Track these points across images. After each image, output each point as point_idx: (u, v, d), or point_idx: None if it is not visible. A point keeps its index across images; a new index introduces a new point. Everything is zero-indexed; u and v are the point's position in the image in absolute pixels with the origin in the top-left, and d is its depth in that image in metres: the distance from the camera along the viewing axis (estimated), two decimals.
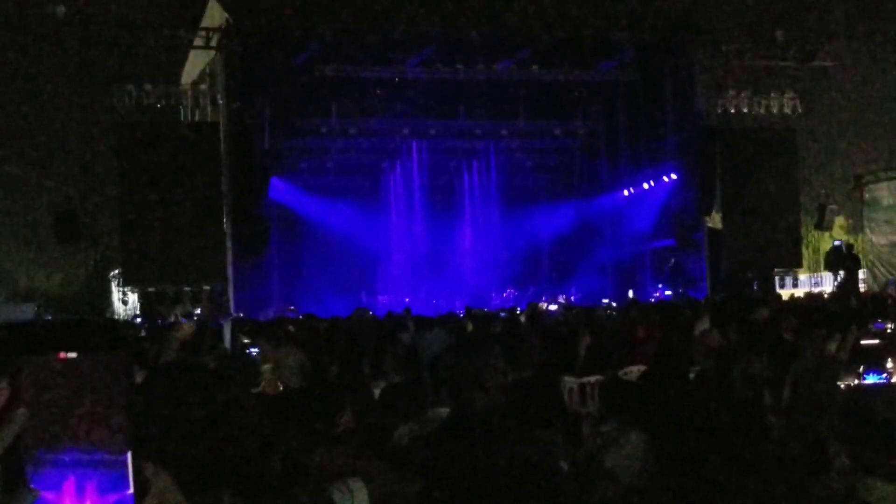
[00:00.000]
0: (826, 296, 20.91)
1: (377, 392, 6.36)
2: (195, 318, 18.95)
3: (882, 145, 38.75)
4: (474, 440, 3.97)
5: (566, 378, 9.50)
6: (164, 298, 22.63)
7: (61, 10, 21.05)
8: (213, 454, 2.90)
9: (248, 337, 12.44)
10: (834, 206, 27.15)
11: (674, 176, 26.10)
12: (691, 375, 7.91)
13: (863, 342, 6.30)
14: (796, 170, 26.10)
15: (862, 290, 23.45)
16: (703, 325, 11.24)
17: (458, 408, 4.39)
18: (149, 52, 22.81)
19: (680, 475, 4.55)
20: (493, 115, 27.95)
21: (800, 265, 27.97)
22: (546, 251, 31.59)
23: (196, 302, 22.47)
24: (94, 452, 1.13)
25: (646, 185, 27.54)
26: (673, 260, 26.32)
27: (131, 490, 1.13)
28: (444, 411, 4.91)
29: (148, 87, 22.30)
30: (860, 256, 25.80)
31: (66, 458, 1.13)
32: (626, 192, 28.50)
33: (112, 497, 1.12)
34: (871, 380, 5.54)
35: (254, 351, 11.07)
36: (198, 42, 23.17)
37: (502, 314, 16.80)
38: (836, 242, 25.80)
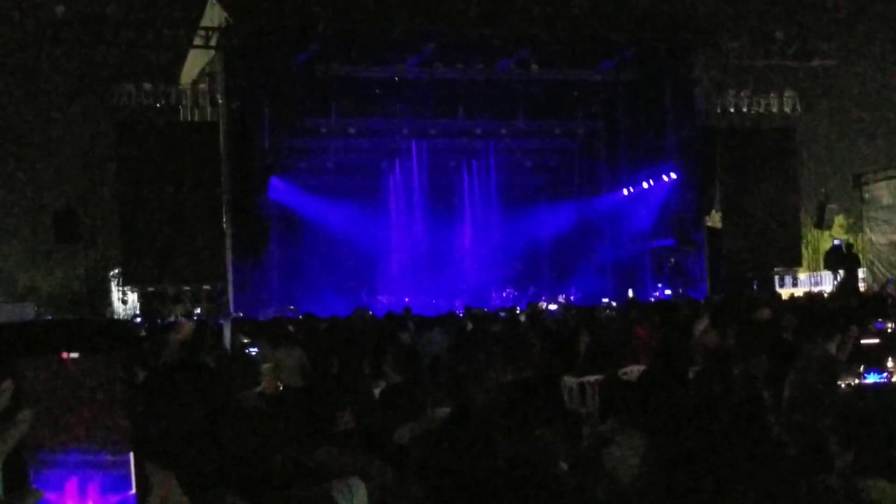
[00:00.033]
0: (826, 295, 20.91)
1: (377, 392, 6.37)
2: (195, 317, 18.95)
3: (882, 144, 38.78)
4: (474, 440, 3.97)
5: (566, 378, 9.51)
6: (164, 298, 22.65)
7: (61, 9, 21.08)
8: (213, 454, 2.90)
9: (248, 337, 12.44)
10: (833, 206, 27.17)
11: (673, 175, 26.09)
12: (691, 375, 7.91)
13: (863, 342, 6.30)
14: (796, 169, 26.12)
15: (861, 289, 23.44)
16: (703, 324, 11.23)
17: (458, 407, 4.39)
18: (148, 51, 22.83)
19: (679, 475, 4.55)
20: (493, 115, 27.94)
21: (799, 264, 28.00)
22: (546, 251, 31.57)
23: (196, 302, 22.49)
24: (96, 453, 1.13)
25: (645, 185, 27.53)
26: (673, 259, 26.31)
27: (133, 490, 1.13)
28: (444, 411, 4.92)
29: (147, 86, 22.30)
30: (860, 256, 25.80)
31: (68, 459, 1.13)
32: (625, 192, 28.49)
33: (114, 498, 1.12)
34: (871, 379, 5.55)
35: (253, 351, 11.09)
36: (197, 42, 23.17)
37: (502, 314, 16.79)
38: (836, 242, 25.81)
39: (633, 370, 9.21)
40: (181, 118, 23.03)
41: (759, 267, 25.50)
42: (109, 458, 1.12)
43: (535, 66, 25.24)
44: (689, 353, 9.18)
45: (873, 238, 27.63)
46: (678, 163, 25.86)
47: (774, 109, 25.55)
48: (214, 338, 10.92)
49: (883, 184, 27.44)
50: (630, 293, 25.15)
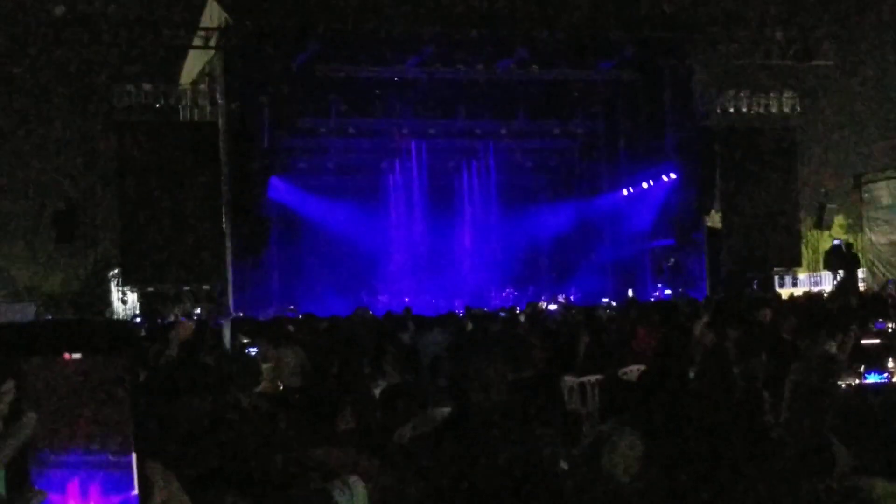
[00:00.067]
0: (825, 295, 20.91)
1: (377, 392, 6.37)
2: (195, 317, 18.95)
3: (881, 144, 38.75)
4: (474, 440, 3.97)
5: (566, 377, 9.51)
6: (164, 298, 22.64)
7: (60, 9, 21.06)
8: (214, 453, 2.90)
9: (248, 336, 12.44)
10: (833, 206, 27.17)
11: (673, 175, 26.09)
12: (691, 375, 7.91)
13: (863, 342, 6.30)
14: (796, 169, 26.12)
15: (861, 289, 23.45)
16: (703, 324, 11.24)
17: (458, 407, 4.39)
18: (148, 51, 22.83)
19: (679, 475, 4.55)
20: (493, 115, 27.93)
21: (799, 264, 28.00)
22: (546, 251, 31.58)
23: (196, 302, 22.48)
24: (98, 454, 1.13)
25: (645, 185, 27.54)
26: (672, 259, 26.31)
27: (136, 491, 1.13)
28: (444, 411, 4.91)
29: (147, 86, 22.30)
30: (860, 256, 25.81)
31: (70, 460, 1.13)
32: (625, 192, 28.49)
33: (116, 498, 1.12)
34: (872, 379, 5.55)
35: (253, 351, 11.09)
36: (197, 42, 23.17)
37: (502, 314, 16.79)
38: (836, 242, 25.82)
39: (633, 370, 9.22)
40: (181, 118, 23.02)
41: (758, 267, 25.50)
42: (111, 458, 1.12)
43: (534, 67, 25.24)
44: (688, 352, 9.18)
45: (873, 238, 27.64)
46: (678, 163, 25.85)
47: (774, 109, 25.55)
48: (214, 338, 10.92)
49: (883, 184, 27.44)
50: (630, 293, 25.15)
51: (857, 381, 5.57)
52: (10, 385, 1.13)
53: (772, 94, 25.58)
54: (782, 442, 5.45)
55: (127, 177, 22.27)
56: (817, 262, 32.25)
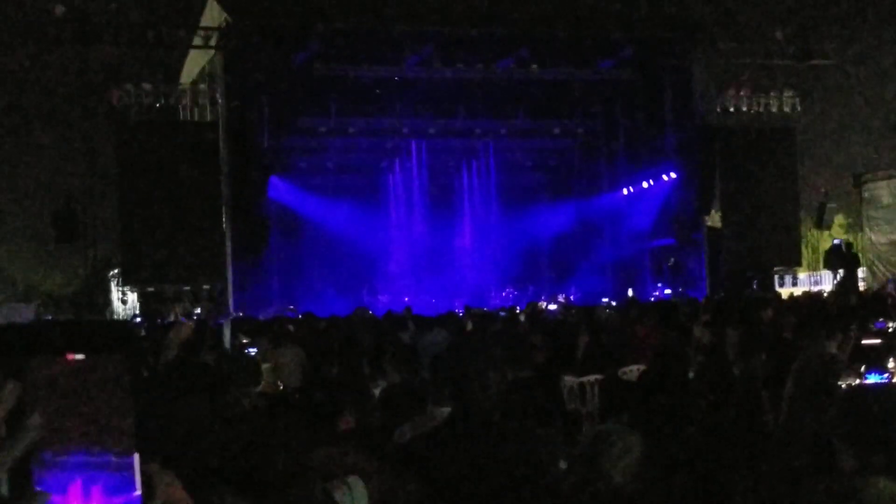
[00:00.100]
0: (825, 294, 20.92)
1: (377, 392, 6.36)
2: (194, 317, 18.94)
3: (881, 143, 38.78)
4: (474, 439, 3.97)
5: (566, 377, 9.51)
6: (164, 298, 22.63)
7: (60, 9, 21.04)
8: (214, 453, 2.90)
9: (248, 336, 12.44)
10: (833, 205, 27.17)
11: (673, 175, 26.10)
12: (691, 375, 7.91)
13: (864, 342, 6.30)
14: (795, 168, 26.11)
15: (861, 288, 23.45)
16: (702, 324, 11.25)
17: (458, 407, 4.39)
18: (148, 51, 22.80)
19: (679, 475, 4.55)
20: (493, 115, 27.94)
21: (799, 264, 27.99)
22: (545, 250, 31.60)
23: (195, 301, 22.47)
24: (100, 454, 1.12)
25: (645, 184, 27.55)
26: (672, 259, 26.32)
27: (138, 492, 1.13)
28: (444, 410, 4.91)
29: (147, 86, 22.28)
30: (860, 255, 25.81)
31: (73, 461, 1.12)
32: (625, 191, 28.50)
33: (118, 499, 1.12)
34: (872, 379, 5.54)
35: (253, 350, 11.08)
36: (197, 41, 23.16)
37: (501, 314, 16.78)
38: (836, 241, 25.82)
39: (633, 370, 9.22)
40: (181, 118, 23.01)
41: (758, 266, 25.50)
42: (113, 459, 1.12)
43: (534, 66, 25.24)
44: (688, 352, 9.18)
45: (873, 237, 27.65)
46: (678, 162, 25.86)
47: (774, 109, 25.54)
48: (214, 338, 10.90)
49: (883, 183, 27.45)
50: (630, 293, 25.17)
51: (858, 381, 5.57)
52: (13, 385, 1.12)
53: (771, 93, 25.57)
54: (782, 442, 5.45)
55: (127, 177, 22.25)
56: (817, 261, 32.25)
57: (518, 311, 17.14)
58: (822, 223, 27.11)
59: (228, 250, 22.52)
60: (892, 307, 13.12)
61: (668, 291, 25.70)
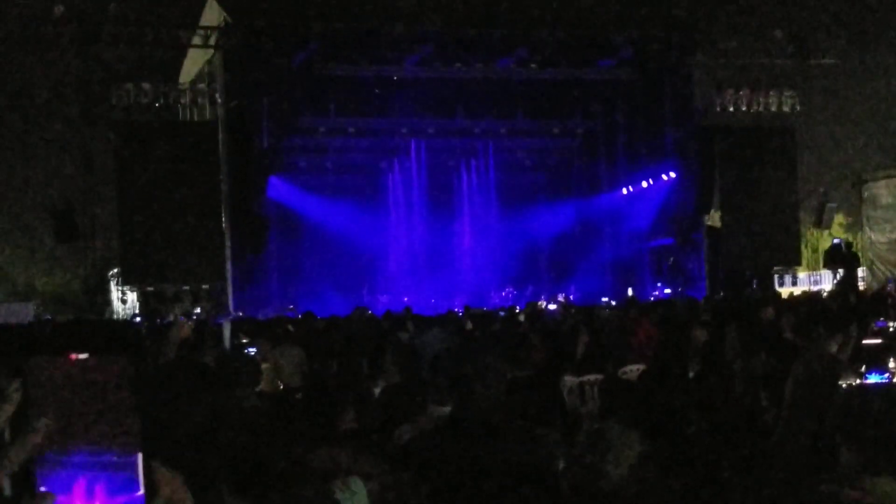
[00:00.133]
0: (825, 294, 20.91)
1: (377, 392, 6.36)
2: (194, 317, 18.94)
3: (881, 143, 38.78)
4: (474, 439, 3.97)
5: (566, 377, 9.50)
6: (164, 297, 22.63)
7: (60, 9, 21.04)
8: (214, 453, 2.89)
9: (248, 336, 12.43)
10: (833, 205, 27.15)
11: (672, 174, 26.11)
12: (690, 375, 7.90)
13: (865, 342, 6.29)
14: (795, 168, 26.11)
15: (861, 288, 23.45)
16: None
17: (458, 407, 4.38)
18: (147, 51, 22.80)
19: (679, 475, 4.55)
20: (492, 114, 27.94)
21: (799, 263, 28.00)
22: (545, 250, 31.58)
23: (195, 301, 22.47)
24: (103, 454, 1.12)
25: (644, 184, 27.55)
26: (672, 258, 26.32)
27: (141, 491, 1.13)
28: (444, 410, 4.91)
29: (146, 86, 22.27)
30: (859, 255, 25.79)
31: (76, 460, 1.13)
32: (624, 191, 28.50)
33: (122, 498, 1.12)
34: (872, 379, 5.53)
35: (252, 350, 11.07)
36: (196, 41, 23.16)
37: (501, 313, 16.77)
38: (836, 240, 25.79)
39: (633, 370, 9.21)
40: (180, 117, 23.02)
41: (758, 266, 25.50)
42: (116, 458, 1.12)
43: (534, 66, 25.23)
44: (688, 352, 9.18)
45: (873, 237, 27.62)
46: (677, 162, 25.88)
47: (773, 108, 25.54)
48: (214, 338, 10.90)
49: (882, 183, 27.42)
50: (629, 292, 25.16)
51: (858, 381, 5.57)
52: (17, 384, 1.12)
53: (770, 93, 25.57)
54: (782, 442, 5.44)
55: (126, 176, 22.25)
56: (817, 261, 32.25)
57: (518, 311, 17.13)
58: (821, 223, 27.10)
59: (228, 250, 22.53)
60: (891, 307, 13.13)
61: (667, 291, 25.70)
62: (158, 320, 18.31)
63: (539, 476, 3.98)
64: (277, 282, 25.53)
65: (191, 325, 8.52)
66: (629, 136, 28.16)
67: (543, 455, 4.15)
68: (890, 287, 20.72)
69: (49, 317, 28.49)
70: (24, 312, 27.12)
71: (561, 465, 4.46)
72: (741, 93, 25.32)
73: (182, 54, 25.09)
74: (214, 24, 22.89)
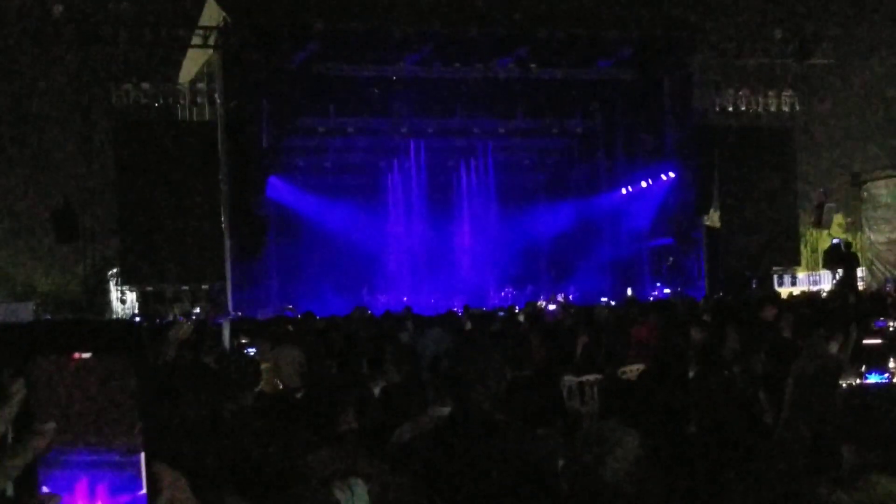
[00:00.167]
0: (824, 294, 20.91)
1: (377, 391, 6.36)
2: (193, 317, 18.94)
3: (881, 143, 38.81)
4: (474, 439, 3.97)
5: (565, 377, 9.51)
6: (163, 298, 22.64)
7: (59, 9, 21.04)
8: (214, 454, 2.89)
9: (247, 336, 12.43)
10: (832, 205, 27.16)
11: (672, 174, 26.12)
12: (690, 374, 7.90)
13: (865, 342, 6.29)
14: (794, 168, 26.13)
15: (861, 288, 23.46)
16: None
17: (458, 407, 4.38)
18: (146, 51, 22.80)
19: (678, 474, 4.55)
20: (492, 114, 27.94)
21: (798, 263, 28.02)
22: (544, 250, 31.59)
23: (194, 301, 22.48)
24: (106, 453, 1.12)
25: (644, 184, 27.56)
26: (671, 258, 26.33)
27: (144, 491, 1.13)
28: (444, 410, 4.91)
29: (146, 85, 22.29)
30: (858, 255, 25.81)
31: (77, 459, 1.12)
32: (624, 191, 28.51)
33: (124, 498, 1.12)
34: (873, 379, 5.53)
35: (252, 350, 11.07)
36: (195, 41, 23.15)
37: (500, 313, 16.78)
38: (835, 240, 25.81)
39: (633, 369, 9.21)
40: (179, 117, 23.03)
41: (757, 266, 25.52)
42: (119, 458, 1.12)
43: (533, 66, 25.23)
44: (687, 351, 9.18)
45: (872, 237, 27.65)
46: (677, 162, 25.88)
47: (773, 108, 25.56)
48: (213, 338, 10.90)
49: (882, 182, 27.44)
50: (629, 292, 25.16)
51: (858, 381, 5.57)
52: (19, 384, 1.12)
53: (770, 93, 25.58)
54: (782, 442, 5.45)
55: (126, 176, 22.27)
56: (816, 261, 32.25)
57: (517, 311, 17.14)
58: (820, 223, 27.11)
59: (227, 250, 22.53)
60: (891, 306, 13.13)
61: (666, 291, 25.70)
62: (158, 320, 18.32)
63: (539, 476, 3.97)
64: (277, 282, 25.52)
65: (190, 326, 8.52)
66: (628, 135, 28.17)
67: (543, 455, 4.15)
68: (889, 287, 20.74)
69: (49, 316, 28.49)
70: (24, 312, 27.13)
71: (561, 464, 4.46)
72: (741, 93, 25.35)
73: (182, 54, 25.09)
74: (214, 24, 22.90)
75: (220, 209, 22.54)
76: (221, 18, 22.67)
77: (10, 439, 1.07)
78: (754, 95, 25.46)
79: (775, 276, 26.66)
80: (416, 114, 27.15)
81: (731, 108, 25.40)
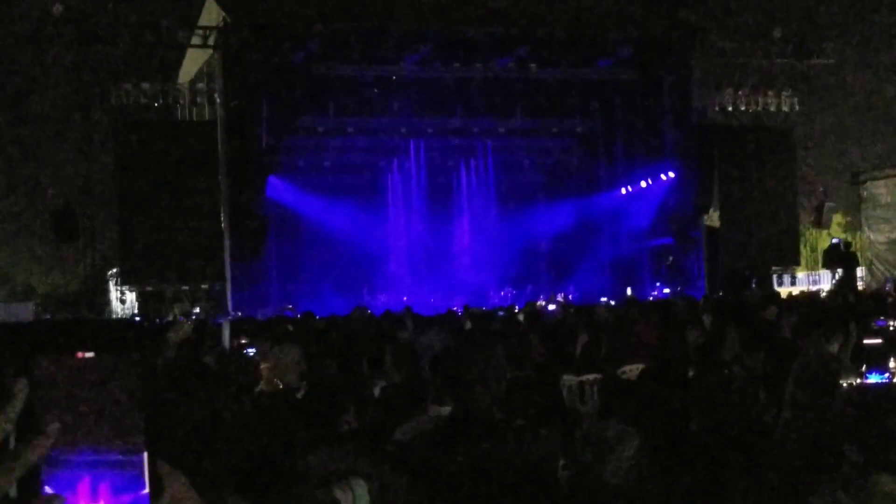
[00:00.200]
0: (824, 294, 20.92)
1: (377, 392, 6.36)
2: (193, 317, 18.94)
3: (880, 143, 38.82)
4: (474, 439, 3.97)
5: (565, 376, 9.50)
6: (162, 297, 22.64)
7: (59, 8, 21.04)
8: (214, 454, 2.89)
9: (247, 336, 12.42)
10: (832, 204, 27.17)
11: (672, 174, 26.12)
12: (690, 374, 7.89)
13: (865, 341, 6.28)
14: (794, 167, 26.14)
15: (860, 287, 23.46)
16: (703, 323, 11.25)
17: (458, 406, 4.38)
18: (146, 50, 22.80)
19: (678, 474, 4.55)
20: (491, 114, 27.92)
21: (798, 263, 28.02)
22: (544, 250, 31.58)
23: (194, 301, 22.48)
24: (109, 453, 1.12)
25: (644, 184, 27.56)
26: (671, 258, 26.33)
27: (146, 490, 1.13)
28: (444, 410, 4.91)
29: (145, 85, 22.28)
30: (858, 254, 25.82)
31: (81, 459, 1.12)
32: (623, 191, 28.51)
33: (126, 497, 1.12)
34: (873, 379, 5.52)
35: (251, 351, 11.07)
36: (195, 41, 23.15)
37: (500, 313, 16.78)
38: (835, 240, 25.82)
39: (633, 369, 9.20)
40: (179, 117, 23.02)
41: (757, 265, 25.52)
42: (122, 457, 1.12)
43: (533, 65, 25.24)
44: (688, 352, 9.18)
45: (872, 236, 27.66)
46: (676, 161, 25.89)
47: (772, 108, 25.56)
48: (213, 338, 10.90)
49: (881, 182, 27.45)
50: (629, 292, 25.17)
51: (859, 381, 5.56)
52: (23, 384, 1.12)
53: (769, 92, 25.59)
54: (782, 442, 5.44)
55: (125, 176, 22.27)
56: (816, 260, 32.27)
57: (517, 311, 17.13)
58: (820, 222, 27.13)
59: (227, 250, 22.53)
60: (891, 306, 13.12)
61: (666, 290, 25.71)
62: (157, 320, 18.32)
63: (539, 476, 3.97)
64: (277, 282, 25.53)
65: (191, 325, 8.52)
66: (628, 135, 28.18)
67: (543, 455, 4.15)
68: (889, 286, 20.74)
69: (48, 316, 28.49)
70: (24, 312, 27.14)
71: (561, 464, 4.46)
72: (740, 92, 25.35)
73: (181, 54, 25.09)
74: (213, 23, 22.90)
75: (220, 209, 22.55)
76: (221, 18, 22.67)
77: (13, 439, 1.07)
78: (754, 95, 25.46)
79: (775, 276, 26.66)
80: (416, 114, 27.14)
81: (731, 108, 25.40)
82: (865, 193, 27.97)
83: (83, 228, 22.72)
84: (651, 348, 9.47)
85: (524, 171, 31.97)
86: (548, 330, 11.87)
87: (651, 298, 22.74)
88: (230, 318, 16.38)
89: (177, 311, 21.30)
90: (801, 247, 27.79)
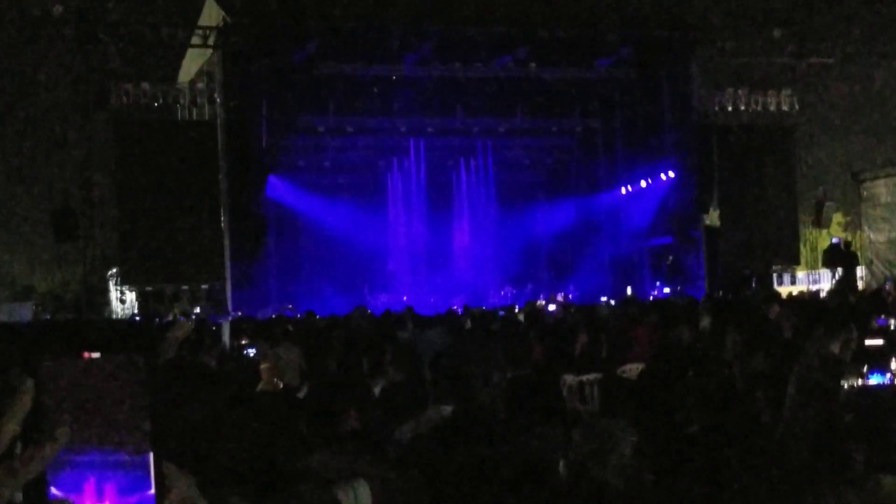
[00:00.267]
0: (824, 293, 20.91)
1: (377, 391, 6.36)
2: (193, 316, 18.94)
3: (880, 142, 38.82)
4: (475, 439, 3.97)
5: (566, 376, 9.51)
6: (163, 297, 22.63)
7: (59, 8, 21.07)
8: (215, 454, 2.90)
9: (247, 336, 12.43)
10: (832, 204, 27.15)
11: (671, 173, 26.12)
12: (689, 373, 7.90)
13: (866, 342, 6.28)
14: (794, 167, 26.13)
15: (860, 287, 23.44)
16: (703, 323, 11.26)
17: (459, 406, 4.39)
18: (146, 50, 22.82)
19: (678, 474, 4.55)
20: (491, 113, 27.92)
21: (797, 262, 28.00)
22: (544, 249, 31.59)
23: (194, 301, 22.48)
24: (114, 453, 1.13)
25: (643, 183, 27.56)
26: (671, 257, 26.32)
27: (153, 490, 1.13)
28: (444, 410, 4.91)
29: (145, 85, 22.28)
30: (858, 254, 25.80)
31: (87, 460, 1.13)
32: (623, 190, 28.51)
33: (132, 498, 1.13)
34: (875, 380, 5.53)
35: (252, 350, 11.08)
36: (195, 41, 23.16)
37: (500, 313, 16.78)
38: (834, 240, 25.80)
39: (633, 369, 9.22)
40: (179, 117, 23.01)
41: (757, 265, 25.52)
42: (128, 458, 1.13)
43: (533, 65, 25.24)
44: (686, 352, 9.18)
45: (872, 236, 27.62)
46: (676, 161, 25.89)
47: (772, 107, 25.55)
48: (213, 337, 10.91)
49: (881, 181, 27.42)
50: (629, 291, 25.17)
51: (861, 382, 5.56)
52: (29, 384, 1.12)
53: (769, 92, 25.58)
54: (783, 442, 5.45)
55: (125, 176, 22.27)
56: (816, 260, 32.25)
57: (517, 310, 17.13)
58: (820, 221, 27.10)
59: (227, 249, 22.53)
60: (891, 306, 13.13)
61: (666, 290, 25.71)
62: (158, 320, 18.32)
63: (539, 475, 3.98)
64: (277, 281, 25.52)
65: (191, 325, 8.52)
66: (628, 134, 28.18)
67: (543, 454, 4.15)
68: (889, 286, 20.72)
69: (48, 316, 28.49)
70: (24, 312, 27.13)
71: (561, 464, 4.46)
72: (740, 92, 25.34)
73: (181, 54, 25.10)
74: (213, 23, 22.89)
75: (220, 209, 22.54)
76: (221, 18, 22.66)
77: (19, 440, 1.08)
78: (754, 95, 25.45)
79: (775, 275, 26.65)
80: (416, 113, 27.13)
81: (730, 108, 25.38)
82: (865, 193, 27.93)
83: (83, 228, 22.70)
84: (651, 348, 9.48)
85: (524, 171, 31.97)
86: (548, 330, 11.88)
87: (651, 298, 22.73)
88: (230, 317, 16.39)
89: (177, 310, 21.30)
90: (801, 246, 27.78)
